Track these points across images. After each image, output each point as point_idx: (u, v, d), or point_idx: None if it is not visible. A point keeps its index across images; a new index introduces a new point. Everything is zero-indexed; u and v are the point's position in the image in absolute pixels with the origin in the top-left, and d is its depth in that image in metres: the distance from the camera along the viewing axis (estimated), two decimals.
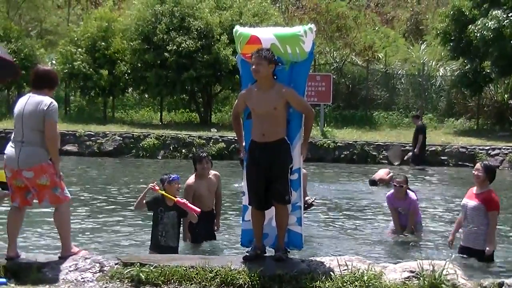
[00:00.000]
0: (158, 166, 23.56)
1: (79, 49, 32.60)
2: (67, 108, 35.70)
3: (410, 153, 25.35)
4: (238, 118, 8.25)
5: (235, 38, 8.46)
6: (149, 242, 9.63)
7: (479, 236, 9.57)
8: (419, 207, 12.41)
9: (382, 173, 19.65)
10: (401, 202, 11.71)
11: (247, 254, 7.58)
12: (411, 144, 25.19)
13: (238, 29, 8.53)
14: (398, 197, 11.73)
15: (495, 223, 9.62)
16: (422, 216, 12.39)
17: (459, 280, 6.57)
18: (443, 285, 6.42)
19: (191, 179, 10.61)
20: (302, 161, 8.01)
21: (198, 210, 9.38)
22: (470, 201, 9.67)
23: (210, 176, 10.71)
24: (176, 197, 9.26)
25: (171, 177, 9.50)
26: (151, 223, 9.55)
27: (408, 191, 11.78)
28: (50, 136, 7.43)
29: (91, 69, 32.17)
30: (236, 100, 8.29)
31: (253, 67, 7.70)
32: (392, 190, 11.98)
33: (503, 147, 26.04)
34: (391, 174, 19.07)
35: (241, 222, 8.19)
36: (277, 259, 7.46)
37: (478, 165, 9.81)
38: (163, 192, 9.30)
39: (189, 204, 9.34)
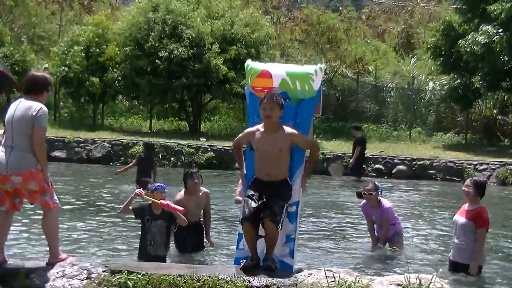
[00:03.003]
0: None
1: (76, 52, 32.58)
2: (56, 114, 35.62)
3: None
4: (239, 148, 8.59)
5: (246, 72, 8.59)
6: (137, 250, 9.62)
7: (467, 252, 9.61)
8: (398, 216, 12.39)
9: (370, 186, 19.64)
10: (374, 210, 11.70)
11: (245, 264, 7.66)
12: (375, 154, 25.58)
13: (250, 63, 8.63)
14: (371, 205, 11.74)
15: (483, 240, 9.64)
16: (402, 225, 12.34)
17: None
18: None
19: (181, 194, 10.65)
20: (301, 194, 8.29)
21: (181, 208, 9.42)
22: (461, 218, 9.71)
23: (200, 193, 10.77)
24: (159, 201, 9.24)
25: (154, 186, 9.49)
26: (140, 231, 9.54)
27: (382, 199, 11.79)
28: (38, 142, 7.43)
29: (85, 75, 32.19)
30: (241, 134, 8.57)
31: (266, 112, 8.02)
32: (364, 201, 12.01)
33: (491, 162, 26.11)
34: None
35: (235, 249, 8.35)
36: (266, 268, 7.54)
37: (468, 181, 9.85)
38: (149, 198, 9.28)
39: (172, 204, 9.35)
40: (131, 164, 18.38)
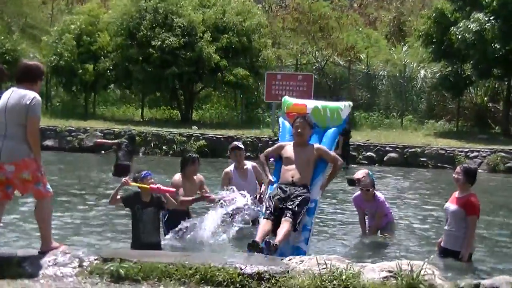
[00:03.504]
0: (139, 162, 23.51)
1: (67, 41, 32.50)
2: (48, 103, 35.55)
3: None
4: (267, 158, 10.26)
5: (282, 104, 10.57)
6: (128, 238, 9.61)
7: (458, 239, 9.63)
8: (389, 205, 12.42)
9: (360, 174, 19.71)
10: (368, 204, 11.72)
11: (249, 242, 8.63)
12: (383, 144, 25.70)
13: (287, 98, 10.75)
14: (366, 200, 11.76)
15: (474, 227, 9.67)
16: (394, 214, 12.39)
17: (436, 280, 6.62)
18: (420, 285, 6.46)
19: (177, 177, 10.67)
20: (320, 194, 9.85)
21: (173, 190, 9.52)
22: (451, 205, 9.74)
23: (195, 178, 10.83)
24: (149, 185, 9.24)
25: (142, 174, 9.47)
26: (130, 220, 9.52)
27: (376, 192, 11.81)
28: (32, 131, 7.40)
29: (78, 64, 32.14)
30: (271, 148, 10.37)
31: (299, 130, 9.68)
32: (358, 193, 12.00)
33: (482, 150, 26.19)
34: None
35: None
36: (267, 242, 8.53)
37: (458, 168, 9.87)
38: (137, 184, 9.27)
39: (162, 187, 9.37)
40: (115, 141, 18.74)
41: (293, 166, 9.55)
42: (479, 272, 9.36)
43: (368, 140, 28.05)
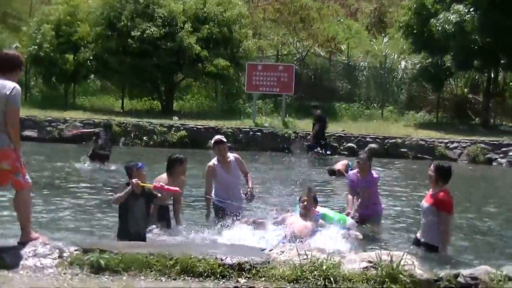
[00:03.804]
0: (120, 153, 23.43)
1: (46, 31, 32.29)
2: (28, 93, 35.33)
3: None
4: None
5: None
6: (110, 229, 9.59)
7: (433, 234, 9.69)
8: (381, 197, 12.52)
9: (340, 164, 19.85)
10: (363, 181, 11.84)
11: None
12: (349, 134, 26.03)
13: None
14: (361, 176, 11.88)
15: (446, 223, 9.71)
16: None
17: (416, 270, 6.64)
18: (400, 275, 6.48)
19: (164, 178, 10.64)
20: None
21: (177, 189, 9.62)
22: (425, 203, 9.81)
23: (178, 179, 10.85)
24: (152, 184, 9.31)
25: (138, 164, 9.47)
26: (118, 210, 9.46)
27: (372, 170, 12.03)
28: (12, 121, 7.34)
29: (57, 55, 31.96)
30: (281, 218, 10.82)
31: (305, 203, 10.54)
32: (354, 171, 12.12)
33: (462, 141, 26.33)
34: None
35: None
36: None
37: (431, 165, 9.93)
38: (144, 184, 9.29)
39: (166, 186, 9.46)
40: (90, 130, 19.07)
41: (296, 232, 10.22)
42: (459, 262, 9.41)
43: (343, 130, 28.19)
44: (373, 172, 12.15)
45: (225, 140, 11.96)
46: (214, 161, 11.80)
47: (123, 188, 9.37)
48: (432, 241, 9.69)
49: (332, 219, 10.98)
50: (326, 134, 26.54)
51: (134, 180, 9.26)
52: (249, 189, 11.79)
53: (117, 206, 9.41)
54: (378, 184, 12.59)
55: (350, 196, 12.03)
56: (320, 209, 11.19)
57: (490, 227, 12.92)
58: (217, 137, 12.05)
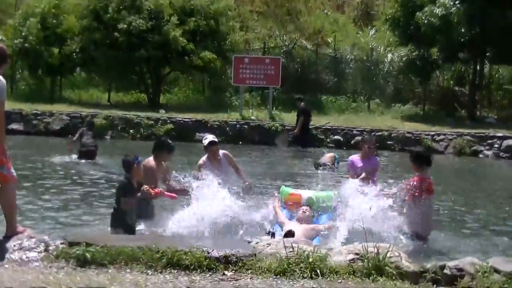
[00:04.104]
0: (106, 146, 23.39)
1: (32, 24, 32.15)
2: (14, 87, 35.19)
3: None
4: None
5: (280, 193, 11.72)
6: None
7: (409, 219, 9.91)
8: None
9: (327, 157, 19.88)
10: (366, 162, 12.01)
11: None
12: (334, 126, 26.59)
13: (285, 188, 11.98)
14: (364, 157, 12.09)
15: (419, 207, 9.91)
16: None
17: (402, 262, 6.67)
18: (387, 267, 6.51)
19: (152, 162, 10.62)
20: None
21: (175, 196, 10.03)
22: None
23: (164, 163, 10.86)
24: (160, 190, 9.73)
25: (138, 158, 9.52)
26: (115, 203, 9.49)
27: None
28: None
29: (42, 47, 31.82)
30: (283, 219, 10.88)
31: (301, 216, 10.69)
32: (354, 155, 12.31)
33: (448, 133, 26.41)
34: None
35: None
36: None
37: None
38: (156, 193, 9.56)
39: (166, 193, 9.90)
40: (76, 137, 19.27)
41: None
42: (445, 254, 9.45)
43: (327, 122, 28.24)
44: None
45: (217, 140, 12.04)
46: (204, 158, 11.81)
47: (127, 183, 9.38)
48: (409, 228, 9.94)
49: (317, 203, 11.30)
50: (310, 127, 26.62)
51: (145, 188, 9.33)
52: (247, 183, 11.85)
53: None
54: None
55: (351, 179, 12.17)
56: (303, 193, 11.61)
57: (477, 219, 12.97)
58: (211, 138, 12.01)
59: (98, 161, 18.95)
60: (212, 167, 11.64)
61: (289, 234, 9.67)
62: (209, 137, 12.05)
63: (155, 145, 10.97)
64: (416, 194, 9.88)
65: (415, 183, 9.89)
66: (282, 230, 10.08)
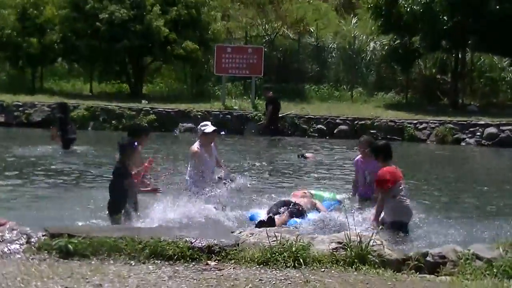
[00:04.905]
0: (88, 137, 23.32)
1: (8, 15, 31.94)
2: None
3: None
4: None
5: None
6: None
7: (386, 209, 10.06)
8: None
9: (312, 155, 20.02)
10: (369, 164, 12.04)
11: None
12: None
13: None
14: (366, 160, 12.21)
15: (380, 199, 10.23)
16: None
17: (385, 251, 6.70)
18: (369, 256, 6.54)
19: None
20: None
21: (153, 189, 9.97)
22: None
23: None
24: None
25: (135, 142, 9.72)
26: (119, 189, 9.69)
27: None
28: None
29: (19, 38, 31.58)
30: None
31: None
32: (358, 156, 12.46)
33: (431, 121, 26.48)
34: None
35: None
36: None
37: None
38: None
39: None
40: (54, 129, 19.03)
41: None
42: (427, 242, 9.49)
43: (303, 108, 28.33)
44: None
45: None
46: (197, 145, 11.87)
47: (124, 169, 9.57)
48: (385, 217, 10.14)
49: (323, 197, 11.91)
50: (280, 115, 26.66)
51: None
52: (227, 169, 12.16)
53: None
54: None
55: (355, 180, 12.38)
56: (312, 191, 12.06)
57: (459, 207, 13.03)
58: (212, 126, 12.13)
59: (76, 150, 18.90)
60: (205, 155, 11.80)
61: (269, 221, 9.88)
62: (210, 125, 12.18)
63: (134, 132, 11.01)
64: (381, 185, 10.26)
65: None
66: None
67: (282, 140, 24.80)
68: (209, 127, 12.08)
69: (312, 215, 10.69)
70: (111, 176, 9.98)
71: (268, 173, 16.57)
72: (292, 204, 10.77)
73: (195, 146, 11.86)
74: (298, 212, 10.67)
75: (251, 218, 10.61)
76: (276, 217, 10.21)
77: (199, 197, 10.80)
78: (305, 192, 11.74)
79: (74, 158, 17.86)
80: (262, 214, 10.53)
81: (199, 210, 10.32)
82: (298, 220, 10.43)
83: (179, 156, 16.41)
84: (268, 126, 25.77)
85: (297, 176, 16.25)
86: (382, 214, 10.16)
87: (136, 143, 9.66)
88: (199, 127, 12.26)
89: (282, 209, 10.54)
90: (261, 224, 9.53)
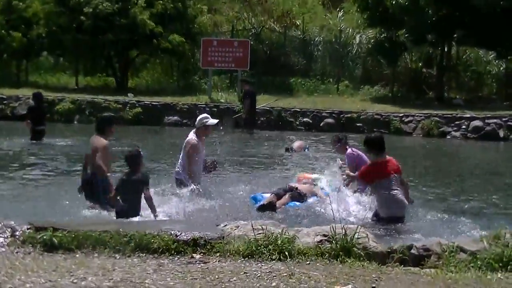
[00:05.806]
0: (74, 131, 23.25)
1: None
2: None
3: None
4: None
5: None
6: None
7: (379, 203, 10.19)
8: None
9: (297, 144, 19.94)
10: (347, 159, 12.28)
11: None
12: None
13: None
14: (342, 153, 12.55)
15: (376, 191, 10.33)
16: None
17: (370, 243, 6.71)
18: (354, 248, 6.55)
19: (105, 141, 10.70)
20: None
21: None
22: None
23: None
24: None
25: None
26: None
27: (347, 147, 12.53)
28: None
29: (3, 31, 31.44)
30: None
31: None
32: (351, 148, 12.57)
33: (417, 114, 26.57)
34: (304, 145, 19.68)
35: None
36: None
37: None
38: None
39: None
40: (27, 119, 18.91)
41: None
42: (412, 235, 9.51)
43: (276, 100, 28.40)
44: (348, 150, 12.47)
45: None
46: (194, 137, 11.87)
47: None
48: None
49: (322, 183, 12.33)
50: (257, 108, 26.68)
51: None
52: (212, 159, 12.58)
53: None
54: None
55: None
56: (313, 175, 12.71)
57: (444, 200, 13.07)
58: (213, 119, 12.31)
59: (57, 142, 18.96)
60: (201, 146, 11.99)
61: (270, 205, 10.25)
62: (210, 118, 12.31)
63: (102, 123, 11.03)
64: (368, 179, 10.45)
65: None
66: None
67: (262, 133, 24.76)
68: (212, 120, 12.18)
69: (311, 200, 11.54)
70: (134, 185, 9.81)
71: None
72: (295, 189, 11.57)
73: (193, 138, 11.85)
74: (299, 196, 11.48)
75: (254, 199, 11.35)
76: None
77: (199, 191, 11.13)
78: (308, 178, 12.39)
79: (52, 151, 17.79)
80: (266, 195, 11.34)
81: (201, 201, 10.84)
82: (298, 203, 11.29)
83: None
84: (247, 118, 25.73)
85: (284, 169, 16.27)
86: (376, 209, 10.19)
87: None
88: (199, 119, 12.22)
89: (285, 193, 11.40)
90: (262, 207, 10.51)
